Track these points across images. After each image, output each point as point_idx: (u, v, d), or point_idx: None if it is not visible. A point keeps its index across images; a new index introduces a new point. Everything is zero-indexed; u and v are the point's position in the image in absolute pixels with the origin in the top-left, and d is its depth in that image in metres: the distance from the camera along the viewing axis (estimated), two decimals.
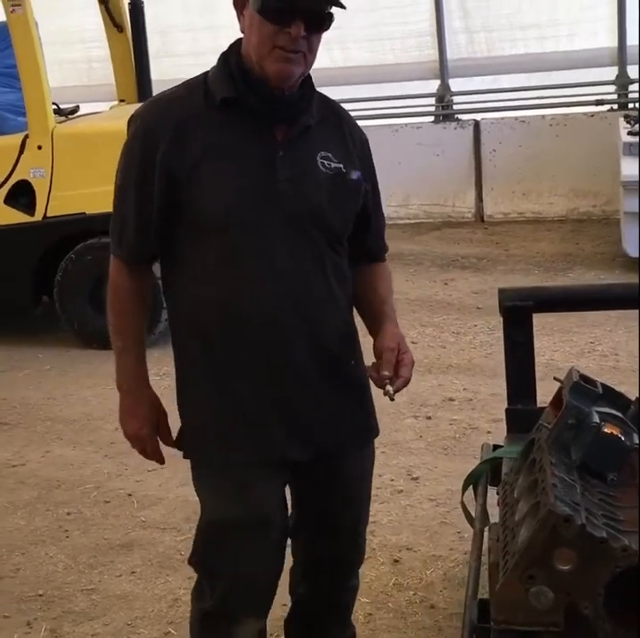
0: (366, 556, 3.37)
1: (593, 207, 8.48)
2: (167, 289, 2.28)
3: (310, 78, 2.22)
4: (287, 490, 2.37)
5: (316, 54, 2.15)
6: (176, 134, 2.11)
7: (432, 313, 6.34)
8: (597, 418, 2.05)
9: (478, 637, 2.11)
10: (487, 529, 2.33)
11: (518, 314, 2.92)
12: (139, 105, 2.41)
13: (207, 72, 2.22)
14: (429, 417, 4.61)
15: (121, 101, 6.84)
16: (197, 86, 2.19)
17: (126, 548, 3.64)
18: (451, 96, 9.05)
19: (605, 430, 2.03)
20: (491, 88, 8.95)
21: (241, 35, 2.18)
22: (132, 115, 2.24)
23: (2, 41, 6.42)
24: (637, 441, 2.05)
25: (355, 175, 2.24)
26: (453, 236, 8.41)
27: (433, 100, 9.12)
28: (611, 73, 8.56)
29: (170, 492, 4.01)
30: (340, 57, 9.25)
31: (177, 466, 3.65)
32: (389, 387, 2.20)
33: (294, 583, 2.53)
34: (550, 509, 1.85)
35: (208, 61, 2.32)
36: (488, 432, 4.29)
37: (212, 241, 2.15)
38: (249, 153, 2.14)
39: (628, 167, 6.65)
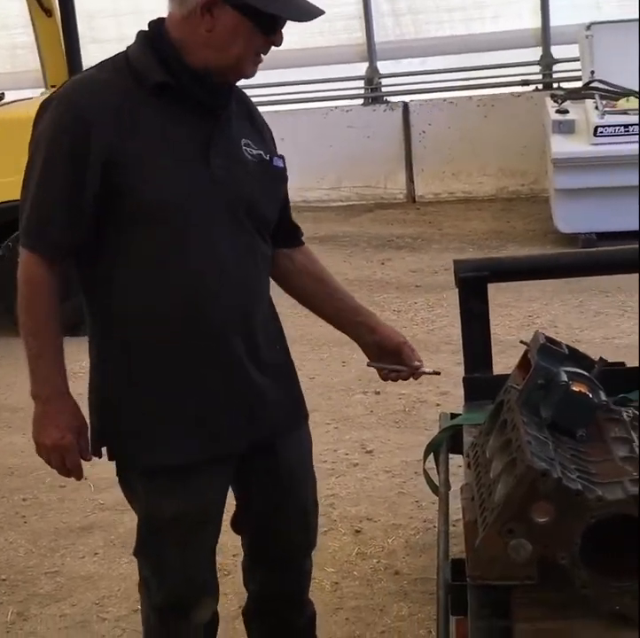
0: (328, 528, 3.47)
1: (521, 186, 8.65)
2: (97, 283, 2.16)
3: None
4: None
5: None
6: (114, 119, 2.03)
7: (371, 292, 6.41)
8: (565, 377, 2.12)
9: (452, 596, 2.18)
10: (460, 490, 2.40)
11: (473, 284, 2.98)
12: None
13: (126, 53, 2.13)
14: (378, 393, 4.67)
15: (52, 87, 6.75)
16: (121, 68, 2.11)
17: (86, 531, 3.64)
18: (380, 78, 9.12)
19: (574, 388, 2.11)
20: (419, 70, 9.05)
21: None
22: (52, 97, 2.11)
23: None
24: (604, 398, 2.13)
25: (278, 162, 2.25)
26: (386, 217, 8.50)
27: (362, 83, 9.19)
28: (535, 53, 8.72)
29: None
30: None
31: None
32: (428, 369, 2.44)
33: (247, 579, 2.53)
34: (528, 464, 1.91)
35: None
36: (437, 405, 4.38)
37: (155, 230, 2.08)
38: (184, 141, 2.10)
39: (558, 145, 6.80)
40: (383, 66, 9.11)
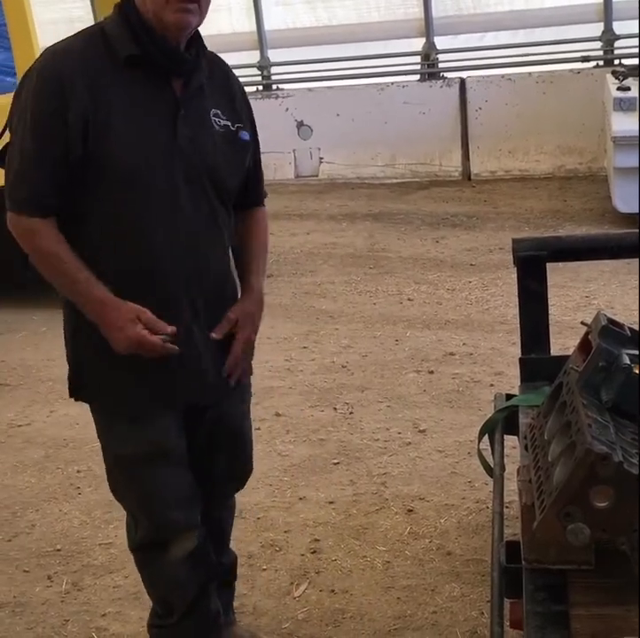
0: (379, 507, 3.47)
1: (579, 164, 8.52)
2: (73, 238, 2.23)
3: (200, 34, 2.28)
4: None
5: (209, 3, 2.21)
6: (86, 87, 2.13)
7: (425, 270, 6.36)
8: (627, 360, 2.08)
9: (507, 578, 2.16)
10: (516, 472, 2.37)
11: (532, 263, 2.94)
12: None
13: (101, 24, 2.24)
14: (431, 372, 4.64)
15: None
16: (95, 39, 2.20)
17: None
18: (437, 54, 9.02)
19: (636, 371, 2.07)
20: (477, 45, 8.92)
21: None
22: (31, 69, 2.19)
23: None
24: None
25: (244, 135, 2.35)
26: (441, 194, 8.42)
27: (418, 58, 9.09)
28: (596, 29, 8.55)
29: None
30: (325, 15, 9.19)
31: None
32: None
33: None
34: (588, 447, 1.88)
35: None
36: (491, 385, 4.34)
37: (124, 194, 2.19)
38: (153, 110, 2.21)
39: (619, 123, 6.67)
40: (440, 42, 9.00)
